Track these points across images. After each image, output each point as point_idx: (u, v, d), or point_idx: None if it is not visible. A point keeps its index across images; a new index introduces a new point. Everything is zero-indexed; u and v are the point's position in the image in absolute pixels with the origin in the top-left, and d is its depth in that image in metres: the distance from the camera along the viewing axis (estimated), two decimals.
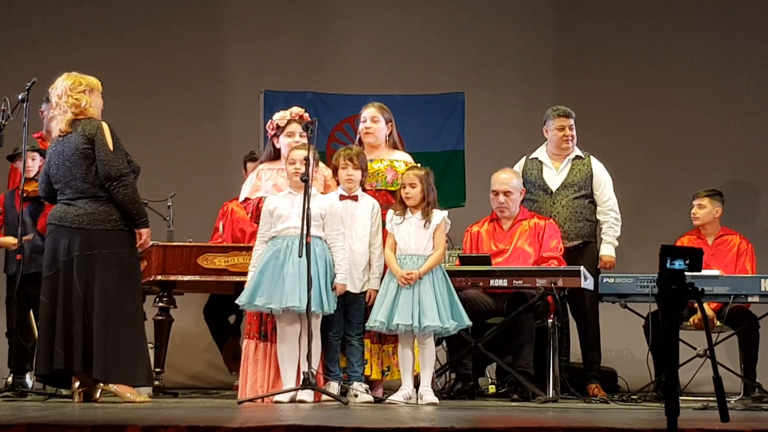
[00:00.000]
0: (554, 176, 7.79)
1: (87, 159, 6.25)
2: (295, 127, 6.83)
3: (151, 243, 6.93)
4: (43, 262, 6.43)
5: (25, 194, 7.50)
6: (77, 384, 6.20)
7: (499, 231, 7.54)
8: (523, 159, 7.93)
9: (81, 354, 6.15)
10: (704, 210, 7.76)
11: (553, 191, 7.74)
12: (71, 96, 6.35)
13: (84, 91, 6.38)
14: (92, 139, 6.26)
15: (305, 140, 6.74)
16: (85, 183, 6.27)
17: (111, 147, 6.28)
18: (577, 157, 7.81)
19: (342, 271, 6.49)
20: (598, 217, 7.75)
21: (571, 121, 7.79)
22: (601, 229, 7.76)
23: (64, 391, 6.72)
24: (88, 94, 6.40)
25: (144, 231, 6.41)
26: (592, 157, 7.83)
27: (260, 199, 6.72)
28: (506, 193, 7.47)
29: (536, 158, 7.89)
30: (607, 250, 7.69)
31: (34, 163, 7.56)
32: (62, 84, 6.39)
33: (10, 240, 7.46)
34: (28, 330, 7.56)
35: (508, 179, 7.50)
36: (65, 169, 6.30)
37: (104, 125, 6.33)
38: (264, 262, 6.43)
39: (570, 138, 7.78)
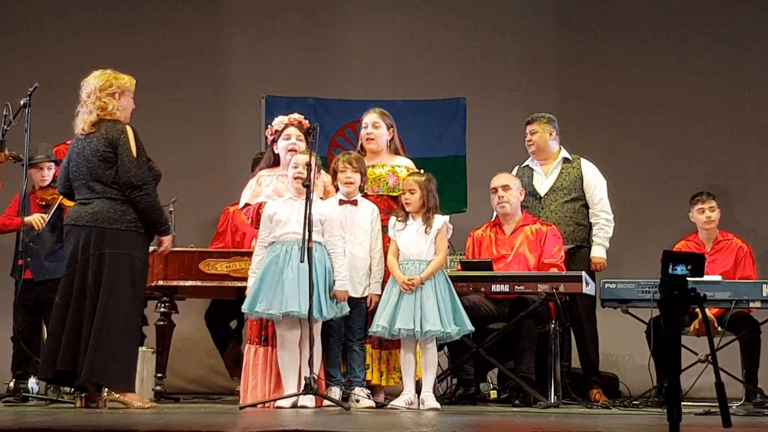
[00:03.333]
0: (543, 181, 7.80)
1: (107, 162, 6.22)
2: (292, 131, 6.86)
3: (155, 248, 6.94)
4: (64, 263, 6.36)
5: (43, 202, 7.52)
6: (78, 388, 6.15)
7: (501, 236, 7.54)
8: (516, 168, 7.94)
9: (83, 354, 6.07)
10: (715, 212, 7.75)
11: (542, 196, 7.74)
12: (99, 98, 6.29)
13: (113, 94, 6.33)
14: (114, 144, 6.20)
15: (302, 143, 6.79)
16: (104, 185, 6.22)
17: (134, 154, 6.23)
18: (566, 160, 7.82)
19: (341, 277, 6.49)
20: (590, 219, 7.74)
21: (533, 126, 7.84)
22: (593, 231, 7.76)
23: (65, 397, 6.73)
24: (117, 97, 6.34)
25: (165, 238, 6.43)
26: (582, 159, 7.83)
27: (260, 205, 6.73)
28: (504, 187, 7.49)
29: (527, 166, 7.92)
30: (597, 252, 7.68)
31: (49, 173, 7.56)
32: (93, 83, 6.33)
33: (35, 218, 7.49)
34: (37, 336, 7.55)
35: (505, 176, 7.57)
36: (84, 170, 6.26)
37: (129, 130, 6.27)
38: (264, 268, 6.43)
39: (530, 142, 7.83)
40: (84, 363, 6.08)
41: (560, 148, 7.87)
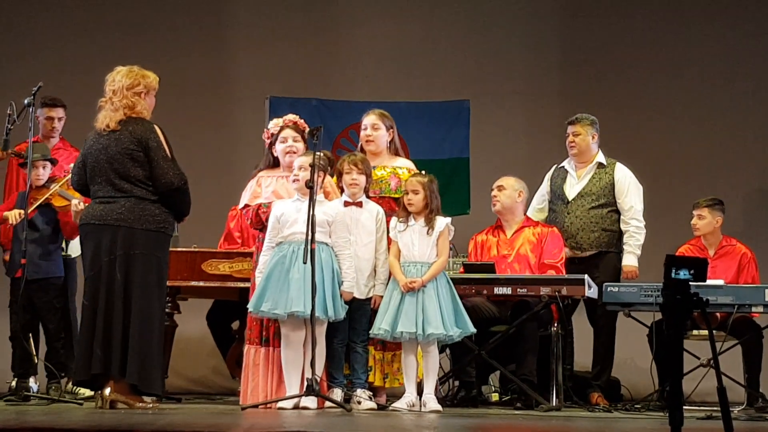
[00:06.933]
0: (574, 185, 7.75)
1: (135, 161, 6.10)
2: (288, 133, 6.87)
3: None
4: (83, 262, 6.24)
5: (35, 202, 7.48)
6: (108, 390, 6.00)
7: (503, 238, 7.55)
8: (553, 167, 7.92)
9: (119, 357, 5.98)
10: (704, 221, 7.73)
11: (569, 201, 7.70)
12: (126, 96, 6.18)
13: (140, 94, 6.22)
14: (144, 143, 6.10)
15: (299, 143, 6.80)
16: (132, 184, 6.10)
17: (170, 154, 6.17)
18: (601, 165, 7.76)
19: (349, 278, 6.51)
20: (621, 226, 7.66)
21: (576, 128, 7.72)
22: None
23: (67, 396, 6.72)
24: (143, 96, 6.24)
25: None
26: (617, 164, 7.74)
27: (259, 206, 6.74)
28: (498, 187, 7.56)
29: (563, 167, 7.87)
30: (628, 260, 7.58)
31: (45, 172, 7.53)
32: (121, 81, 6.21)
33: (13, 213, 7.38)
34: (33, 335, 7.54)
35: (505, 178, 7.60)
36: (108, 167, 6.12)
37: (158, 130, 6.19)
38: (270, 268, 6.44)
39: (572, 144, 7.75)
40: (119, 364, 5.97)
41: (598, 152, 7.82)
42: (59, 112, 7.87)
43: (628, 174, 7.72)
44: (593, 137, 7.75)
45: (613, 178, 7.68)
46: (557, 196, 7.76)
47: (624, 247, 7.62)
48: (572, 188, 7.74)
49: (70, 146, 7.97)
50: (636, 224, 7.62)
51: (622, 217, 7.65)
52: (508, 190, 7.52)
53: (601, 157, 7.76)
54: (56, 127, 7.89)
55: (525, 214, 7.65)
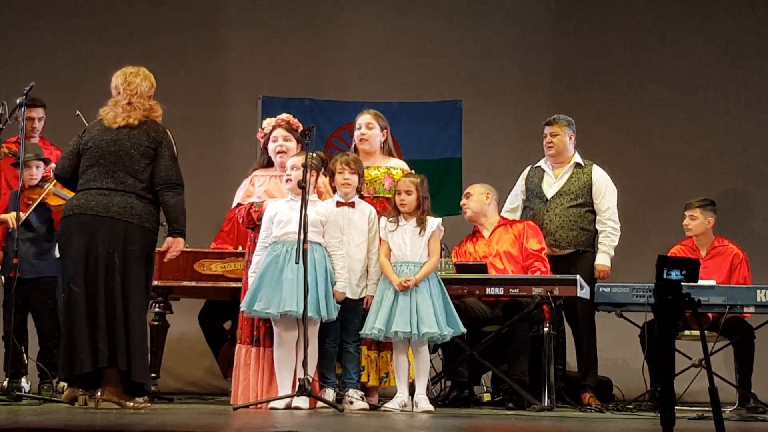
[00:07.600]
0: (552, 184, 7.80)
1: (146, 158, 6.17)
2: (279, 132, 6.87)
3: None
4: (73, 253, 6.14)
5: (30, 201, 7.47)
6: (104, 386, 6.01)
7: (481, 240, 7.59)
8: (528, 168, 7.95)
9: (124, 351, 5.96)
10: (696, 221, 7.74)
11: (548, 199, 7.74)
12: (147, 101, 6.30)
13: (151, 96, 6.36)
14: (158, 142, 6.20)
15: (289, 143, 6.81)
16: (136, 180, 6.14)
17: (176, 155, 6.25)
18: (578, 165, 7.81)
19: (342, 279, 6.51)
20: (597, 226, 7.73)
21: (554, 128, 7.78)
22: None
23: (58, 396, 6.70)
24: (152, 98, 6.38)
25: (181, 240, 6.32)
26: (594, 165, 7.81)
27: (251, 204, 6.74)
28: (466, 195, 7.66)
29: (539, 167, 7.91)
30: (601, 260, 7.66)
31: (38, 171, 7.51)
32: (140, 85, 6.32)
33: (11, 216, 7.34)
34: (25, 334, 7.54)
35: (473, 186, 7.71)
36: (115, 159, 6.15)
37: (170, 135, 6.31)
38: (263, 268, 6.44)
39: (549, 144, 7.79)
40: (118, 360, 5.96)
41: (574, 152, 7.86)
42: (39, 112, 7.87)
43: (604, 176, 7.79)
44: (570, 138, 7.81)
45: (591, 179, 7.75)
46: (535, 194, 7.80)
47: (599, 246, 7.70)
48: (550, 187, 7.79)
49: (50, 145, 7.97)
50: (612, 225, 7.69)
51: (598, 217, 7.72)
52: (475, 195, 7.61)
53: (578, 158, 7.82)
54: (36, 127, 7.88)
55: (499, 215, 7.68)
